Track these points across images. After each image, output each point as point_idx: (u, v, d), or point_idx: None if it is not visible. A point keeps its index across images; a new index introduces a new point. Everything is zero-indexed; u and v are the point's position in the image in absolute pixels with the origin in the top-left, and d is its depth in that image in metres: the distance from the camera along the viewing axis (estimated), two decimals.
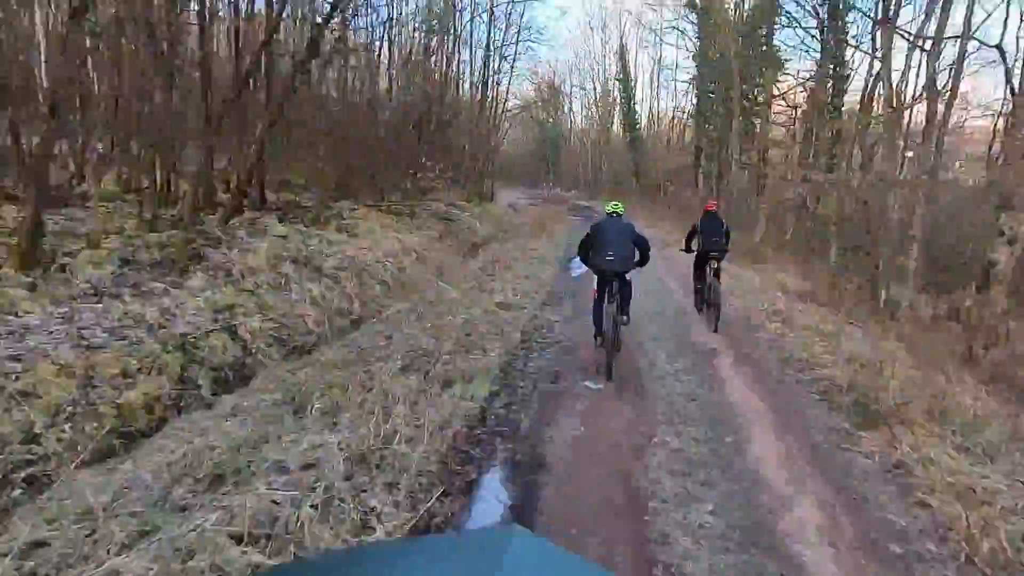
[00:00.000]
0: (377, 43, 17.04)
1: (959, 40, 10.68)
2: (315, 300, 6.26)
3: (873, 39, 14.65)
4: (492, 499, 3.00)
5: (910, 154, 13.28)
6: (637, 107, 33.53)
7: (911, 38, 11.85)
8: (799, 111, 18.73)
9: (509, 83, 27.76)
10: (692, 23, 24.16)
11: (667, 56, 41.07)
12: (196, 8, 8.99)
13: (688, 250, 7.16)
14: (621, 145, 35.38)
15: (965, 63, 11.04)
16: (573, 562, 0.74)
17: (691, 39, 24.99)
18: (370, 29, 16.56)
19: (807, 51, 17.90)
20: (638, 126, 33.27)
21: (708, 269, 6.80)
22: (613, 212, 5.51)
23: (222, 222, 7.33)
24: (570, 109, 45.12)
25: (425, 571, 0.66)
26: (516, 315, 6.59)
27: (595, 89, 38.69)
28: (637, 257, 5.23)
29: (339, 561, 0.95)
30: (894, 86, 12.41)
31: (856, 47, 16.07)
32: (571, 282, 9.26)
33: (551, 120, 43.48)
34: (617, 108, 35.40)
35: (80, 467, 3.01)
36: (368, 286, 7.46)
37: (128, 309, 4.52)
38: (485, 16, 23.05)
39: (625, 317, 5.25)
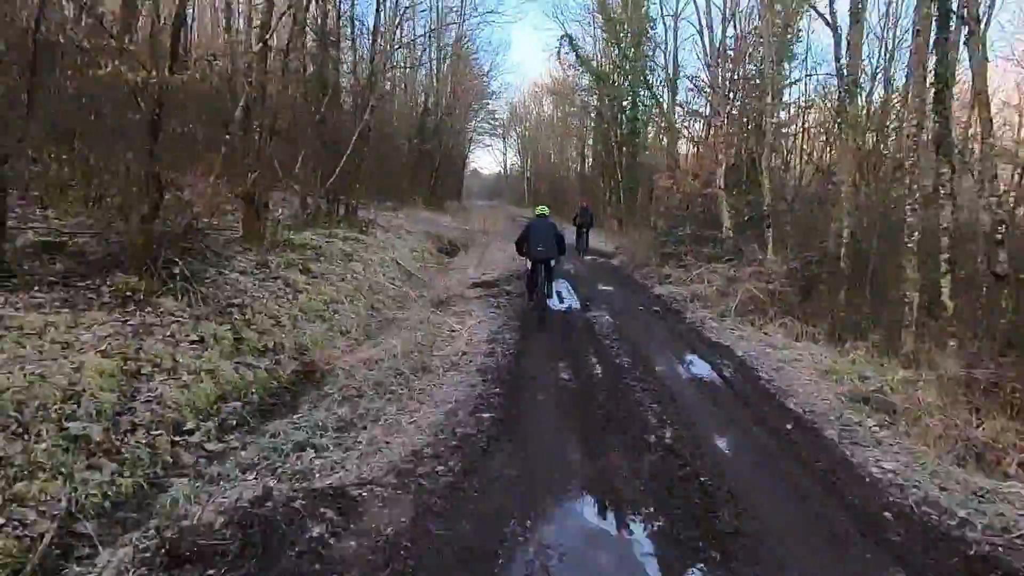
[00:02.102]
0: None
1: None
2: None
3: None
4: None
5: None
6: None
7: None
8: None
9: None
10: None
11: None
12: None
13: (573, 223, 14.59)
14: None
15: None
16: None
17: None
18: None
19: None
20: None
21: (582, 232, 14.40)
22: (541, 214, 7.37)
23: None
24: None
25: None
26: None
27: None
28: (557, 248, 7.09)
29: None
30: None
31: None
32: None
33: (625, 69, 20.06)
34: None
35: None
36: None
37: None
38: None
39: (551, 284, 7.38)
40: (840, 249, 8.21)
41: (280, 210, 9.47)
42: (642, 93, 19.90)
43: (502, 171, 64.18)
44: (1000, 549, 2.80)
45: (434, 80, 24.52)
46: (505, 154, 63.36)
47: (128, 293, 4.60)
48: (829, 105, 11.92)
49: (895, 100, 12.04)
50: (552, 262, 6.91)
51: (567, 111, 31.48)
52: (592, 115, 25.40)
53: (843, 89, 9.32)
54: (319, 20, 12.22)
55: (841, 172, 8.95)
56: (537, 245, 6.78)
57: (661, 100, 19.64)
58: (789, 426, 4.33)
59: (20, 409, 3.07)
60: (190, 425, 3.77)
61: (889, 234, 8.07)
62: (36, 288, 4.35)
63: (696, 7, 16.89)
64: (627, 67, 19.64)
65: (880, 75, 13.61)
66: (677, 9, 20.79)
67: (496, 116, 41.21)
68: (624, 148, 20.73)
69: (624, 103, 20.48)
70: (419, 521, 2.80)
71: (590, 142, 28.94)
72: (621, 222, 20.50)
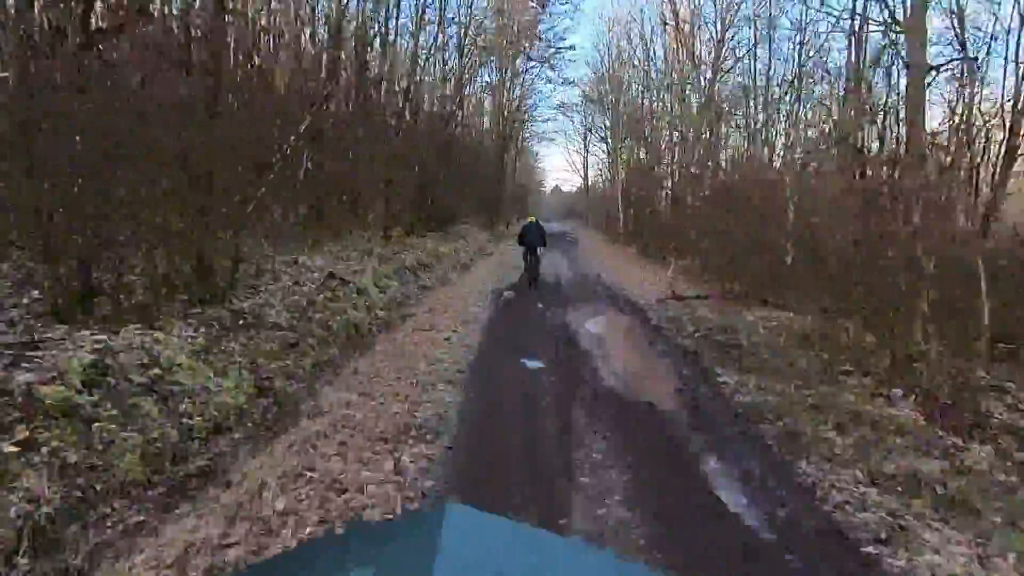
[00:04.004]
0: None
1: None
2: None
3: None
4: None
5: None
6: None
7: None
8: None
9: None
10: None
11: None
12: None
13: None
14: None
15: None
16: (507, 527, 0.81)
17: None
18: None
19: None
20: None
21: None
22: (533, 221, 11.16)
23: None
24: None
25: (364, 563, 0.68)
26: None
27: None
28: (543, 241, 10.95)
29: (277, 567, 0.93)
30: None
31: None
32: None
33: None
34: None
35: None
36: None
37: None
38: None
39: (538, 265, 10.94)
40: None
41: None
42: None
43: (583, 182, 46.69)
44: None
45: None
46: (586, 157, 43.83)
47: None
48: None
49: None
50: (540, 248, 10.78)
51: None
52: None
53: None
54: None
55: None
56: (531, 238, 10.70)
57: None
58: None
59: None
60: None
61: None
62: None
63: None
64: None
65: None
66: None
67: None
68: None
69: None
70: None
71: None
72: None
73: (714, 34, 17.55)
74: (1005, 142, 8.37)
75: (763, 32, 15.95)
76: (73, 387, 3.17)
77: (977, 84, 9.00)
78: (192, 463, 3.27)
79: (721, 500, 3.06)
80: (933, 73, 7.04)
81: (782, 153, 13.80)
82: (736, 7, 16.75)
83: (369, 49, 13.75)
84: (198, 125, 5.33)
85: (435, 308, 8.25)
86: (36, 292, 4.35)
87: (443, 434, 3.85)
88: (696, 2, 18.22)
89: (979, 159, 8.82)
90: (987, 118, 8.83)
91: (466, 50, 19.50)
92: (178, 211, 5.21)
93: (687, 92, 18.55)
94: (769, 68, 15.73)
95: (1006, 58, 9.25)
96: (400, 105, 14.58)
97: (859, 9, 10.19)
